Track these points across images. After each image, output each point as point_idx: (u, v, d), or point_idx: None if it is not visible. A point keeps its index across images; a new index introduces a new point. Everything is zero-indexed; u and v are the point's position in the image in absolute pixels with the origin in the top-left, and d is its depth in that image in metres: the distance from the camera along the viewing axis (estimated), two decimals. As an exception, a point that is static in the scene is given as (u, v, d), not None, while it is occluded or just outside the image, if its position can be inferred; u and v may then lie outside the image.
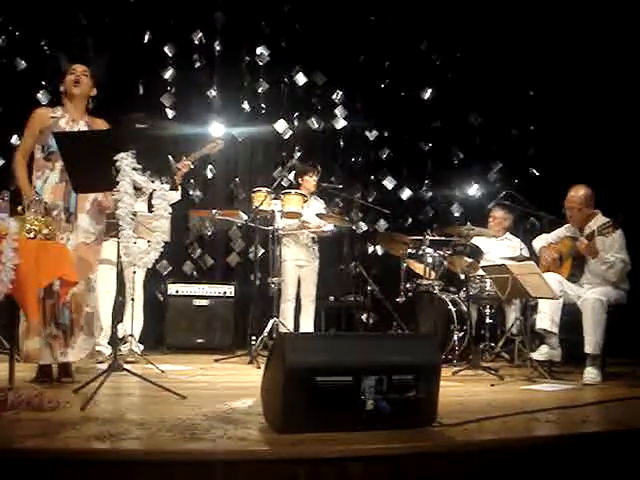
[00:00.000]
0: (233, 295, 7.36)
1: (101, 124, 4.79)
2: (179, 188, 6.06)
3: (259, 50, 8.51)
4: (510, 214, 7.18)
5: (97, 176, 4.05)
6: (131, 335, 6.00)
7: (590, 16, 7.91)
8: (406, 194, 8.96)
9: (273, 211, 6.57)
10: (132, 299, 6.02)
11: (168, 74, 8.19)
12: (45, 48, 7.77)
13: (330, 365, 2.96)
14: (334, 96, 8.81)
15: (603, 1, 7.80)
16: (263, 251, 7.48)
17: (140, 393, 4.21)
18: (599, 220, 5.54)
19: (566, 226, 5.90)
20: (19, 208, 4.09)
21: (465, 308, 6.49)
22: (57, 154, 4.42)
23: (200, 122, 8.03)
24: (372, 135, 8.95)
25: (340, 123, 8.80)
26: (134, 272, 5.91)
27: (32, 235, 4.29)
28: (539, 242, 6.04)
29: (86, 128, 4.69)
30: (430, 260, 6.81)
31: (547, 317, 5.38)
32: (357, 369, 2.99)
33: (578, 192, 5.65)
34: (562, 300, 5.40)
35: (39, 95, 7.72)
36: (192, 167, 6.14)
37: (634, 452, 3.10)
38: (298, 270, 7.14)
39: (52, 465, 2.52)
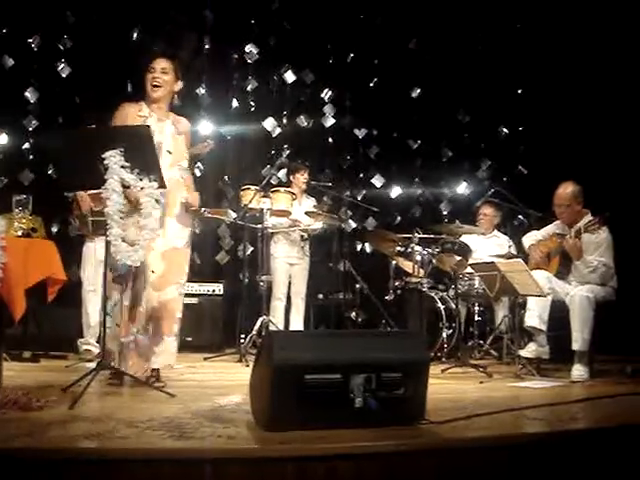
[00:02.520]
0: (222, 293, 7.35)
1: (184, 125, 4.66)
2: None
3: (248, 48, 8.50)
4: (499, 211, 7.21)
5: (85, 174, 4.03)
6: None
7: (577, 15, 7.94)
8: (395, 192, 8.98)
9: (262, 209, 6.55)
10: (121, 297, 5.99)
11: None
12: (32, 45, 7.75)
13: (319, 363, 2.96)
14: (323, 94, 8.82)
15: (588, 1, 7.84)
16: (252, 249, 7.47)
17: (129, 392, 4.19)
18: (587, 219, 5.55)
19: (555, 223, 5.91)
20: None
21: (454, 306, 6.51)
22: None
23: (189, 120, 8.01)
24: (361, 133, 8.97)
25: (329, 121, 8.81)
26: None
27: (20, 233, 4.28)
28: (528, 239, 6.05)
29: (172, 127, 4.54)
30: (419, 258, 6.83)
31: (535, 314, 5.39)
32: (346, 367, 2.98)
33: (567, 189, 5.65)
34: (550, 297, 5.41)
35: (27, 93, 7.71)
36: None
37: (622, 449, 3.11)
38: (289, 268, 7.14)
39: (40, 464, 2.51)
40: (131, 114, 4.46)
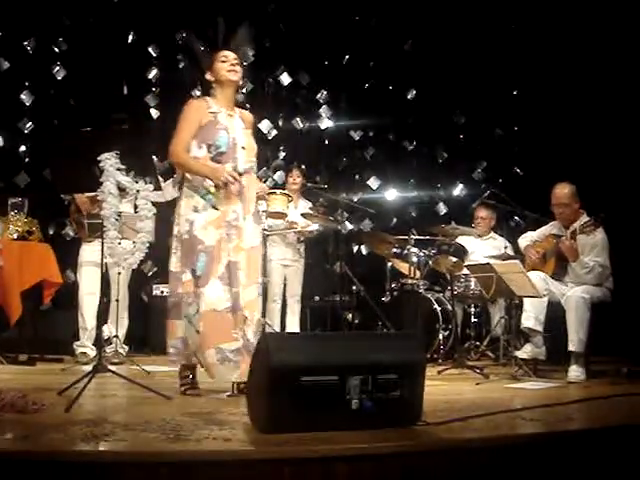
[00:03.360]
0: (218, 296, 7.31)
1: (249, 117, 4.53)
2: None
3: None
4: (495, 213, 7.21)
5: (81, 177, 4.03)
6: (116, 336, 5.97)
7: (572, 15, 7.95)
8: (391, 194, 8.98)
9: (258, 211, 6.53)
10: (117, 300, 5.99)
11: (152, 74, 8.18)
12: (28, 48, 7.75)
13: (315, 365, 2.96)
14: (319, 96, 8.82)
15: (584, 3, 7.86)
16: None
17: (125, 394, 4.19)
18: (583, 220, 5.56)
19: (551, 224, 5.91)
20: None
21: (450, 307, 6.51)
22: (227, 155, 4.17)
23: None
24: (357, 135, 8.97)
25: (325, 123, 8.82)
26: (119, 273, 5.88)
27: (16, 236, 4.28)
28: (524, 240, 6.05)
29: (240, 122, 4.37)
30: (415, 259, 6.83)
31: (532, 316, 5.39)
32: (342, 368, 2.98)
33: (564, 189, 5.66)
34: (547, 298, 5.41)
35: (22, 96, 7.71)
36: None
37: (617, 450, 3.11)
38: (284, 270, 7.14)
39: (36, 467, 2.50)
40: (201, 109, 4.27)
